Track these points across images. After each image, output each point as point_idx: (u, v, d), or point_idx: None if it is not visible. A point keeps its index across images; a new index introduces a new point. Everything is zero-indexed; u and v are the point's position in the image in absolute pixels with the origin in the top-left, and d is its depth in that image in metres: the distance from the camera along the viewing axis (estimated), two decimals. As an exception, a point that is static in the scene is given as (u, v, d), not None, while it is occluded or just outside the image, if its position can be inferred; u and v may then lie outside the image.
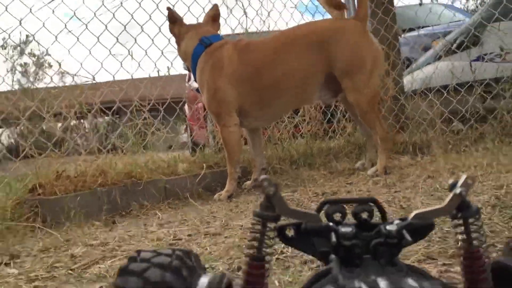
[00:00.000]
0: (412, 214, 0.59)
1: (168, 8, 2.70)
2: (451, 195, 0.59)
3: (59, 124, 3.74)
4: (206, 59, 2.54)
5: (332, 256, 0.60)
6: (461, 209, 0.59)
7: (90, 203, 2.14)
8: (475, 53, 3.48)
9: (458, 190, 0.58)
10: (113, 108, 2.96)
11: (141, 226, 1.91)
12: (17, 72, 4.74)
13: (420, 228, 0.60)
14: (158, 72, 3.28)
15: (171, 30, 2.70)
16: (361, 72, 2.44)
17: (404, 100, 3.55)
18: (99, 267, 1.33)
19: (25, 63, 4.66)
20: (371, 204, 0.62)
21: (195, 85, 2.77)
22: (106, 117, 3.81)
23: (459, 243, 0.60)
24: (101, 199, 2.19)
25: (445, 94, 3.39)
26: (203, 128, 4.22)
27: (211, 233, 1.61)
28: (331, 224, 0.61)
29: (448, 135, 3.20)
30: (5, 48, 4.29)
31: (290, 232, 0.61)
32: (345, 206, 0.62)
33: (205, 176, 2.63)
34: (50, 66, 4.84)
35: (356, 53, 2.45)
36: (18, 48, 4.69)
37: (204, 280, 0.57)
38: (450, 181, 0.60)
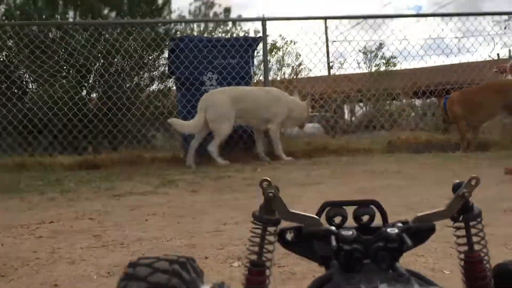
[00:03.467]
0: (414, 217, 0.59)
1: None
2: (454, 196, 0.58)
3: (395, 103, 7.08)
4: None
5: (334, 262, 0.59)
6: (463, 211, 0.58)
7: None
8: None
9: (461, 191, 0.57)
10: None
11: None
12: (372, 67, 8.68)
13: (421, 232, 0.60)
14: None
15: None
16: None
17: None
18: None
19: (377, 64, 8.44)
20: (373, 206, 0.61)
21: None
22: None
23: (459, 247, 0.60)
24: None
25: None
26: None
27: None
28: (331, 227, 0.59)
29: None
30: (365, 53, 8.18)
31: (290, 236, 0.60)
32: (345, 208, 0.61)
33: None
34: (394, 65, 8.44)
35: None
36: (374, 53, 8.65)
37: None
38: (455, 181, 0.58)
